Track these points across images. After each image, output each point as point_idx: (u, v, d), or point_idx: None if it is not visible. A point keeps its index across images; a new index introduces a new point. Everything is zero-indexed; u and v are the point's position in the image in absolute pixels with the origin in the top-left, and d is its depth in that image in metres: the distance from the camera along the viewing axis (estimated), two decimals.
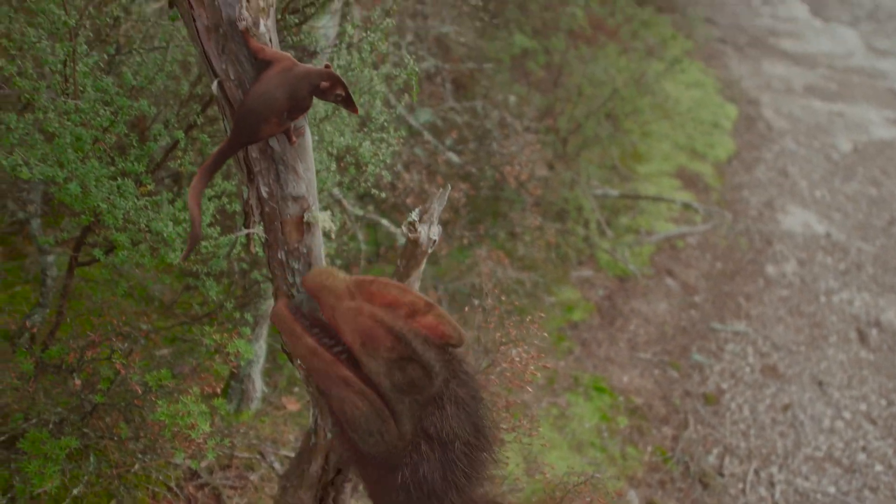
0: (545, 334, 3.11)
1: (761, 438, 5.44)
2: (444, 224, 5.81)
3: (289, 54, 2.14)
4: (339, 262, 4.45)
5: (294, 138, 2.23)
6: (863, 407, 5.79)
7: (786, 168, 8.96)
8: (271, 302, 4.29)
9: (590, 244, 6.96)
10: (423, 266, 2.42)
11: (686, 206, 7.81)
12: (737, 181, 8.63)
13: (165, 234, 2.61)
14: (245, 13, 2.04)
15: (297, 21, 2.60)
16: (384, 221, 5.50)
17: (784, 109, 10.40)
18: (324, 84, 2.13)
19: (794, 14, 13.85)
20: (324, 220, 2.32)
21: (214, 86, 2.15)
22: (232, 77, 2.16)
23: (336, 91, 2.16)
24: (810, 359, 6.19)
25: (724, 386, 5.84)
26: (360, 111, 3.26)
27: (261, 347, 4.56)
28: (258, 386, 4.65)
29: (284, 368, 4.96)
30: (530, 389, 2.88)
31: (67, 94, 2.58)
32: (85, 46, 2.57)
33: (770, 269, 7.22)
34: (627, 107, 7.91)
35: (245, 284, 4.16)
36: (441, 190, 2.36)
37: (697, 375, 5.90)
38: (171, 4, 2.11)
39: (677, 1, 12.94)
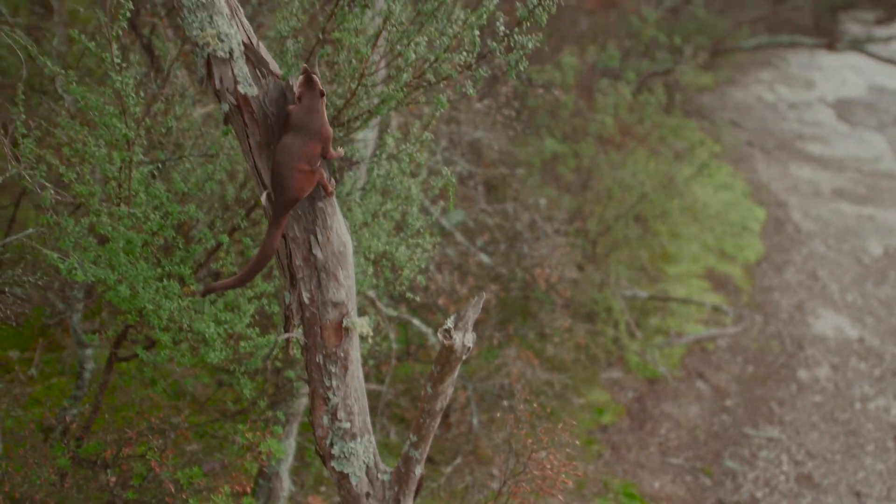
0: (576, 441, 3.11)
1: None
2: (475, 324, 5.86)
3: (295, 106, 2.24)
4: (371, 362, 4.50)
5: (330, 188, 2.32)
6: None
7: (815, 271, 8.94)
8: (304, 400, 4.33)
9: (619, 345, 6.95)
10: (456, 372, 2.47)
11: (716, 309, 7.79)
12: (766, 283, 8.61)
13: (207, 335, 2.69)
14: None
15: (340, 134, 2.74)
16: (415, 321, 5.56)
17: (812, 212, 10.44)
18: (298, 90, 2.22)
19: (820, 119, 14.05)
20: (362, 325, 2.39)
21: (263, 197, 2.27)
22: None
23: (306, 87, 2.24)
24: (847, 468, 6.04)
25: (759, 494, 5.70)
26: (394, 214, 3.37)
27: (290, 445, 4.57)
28: (286, 485, 4.64)
29: (312, 466, 4.95)
30: (561, 497, 2.86)
31: (121, 199, 2.72)
32: (140, 155, 2.73)
33: (802, 374, 7.13)
34: (656, 209, 8.01)
35: (278, 382, 4.21)
36: (476, 298, 2.43)
37: (730, 483, 5.78)
38: (225, 121, 2.25)
39: (705, 106, 13.20)
